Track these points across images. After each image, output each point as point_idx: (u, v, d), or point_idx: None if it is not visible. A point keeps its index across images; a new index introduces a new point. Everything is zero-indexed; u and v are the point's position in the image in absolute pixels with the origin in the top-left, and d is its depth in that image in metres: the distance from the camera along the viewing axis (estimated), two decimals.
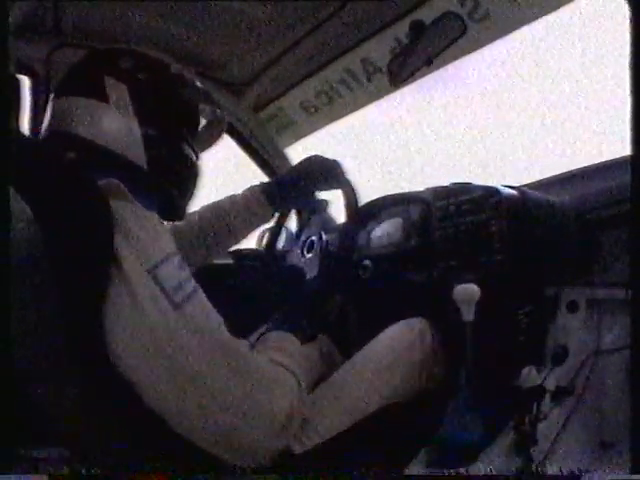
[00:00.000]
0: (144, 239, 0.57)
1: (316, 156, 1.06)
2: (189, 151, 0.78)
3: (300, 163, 1.06)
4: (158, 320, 0.55)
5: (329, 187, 1.05)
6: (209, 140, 0.88)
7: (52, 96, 0.72)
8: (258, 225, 1.07)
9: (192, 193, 0.81)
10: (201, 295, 0.61)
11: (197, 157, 0.81)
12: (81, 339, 0.55)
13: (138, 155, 0.70)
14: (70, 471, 0.58)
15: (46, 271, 0.55)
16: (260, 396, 0.60)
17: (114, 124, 0.69)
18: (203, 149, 0.86)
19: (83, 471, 0.58)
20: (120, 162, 0.69)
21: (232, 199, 1.05)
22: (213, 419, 0.58)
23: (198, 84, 0.82)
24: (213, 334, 0.59)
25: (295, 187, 1.03)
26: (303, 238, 1.22)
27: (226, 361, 0.58)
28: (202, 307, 0.60)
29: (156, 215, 0.63)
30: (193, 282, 0.61)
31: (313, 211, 1.11)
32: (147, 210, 0.61)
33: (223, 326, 0.61)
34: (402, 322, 1.04)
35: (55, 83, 0.74)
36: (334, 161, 1.05)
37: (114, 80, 0.69)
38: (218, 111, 0.86)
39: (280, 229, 1.24)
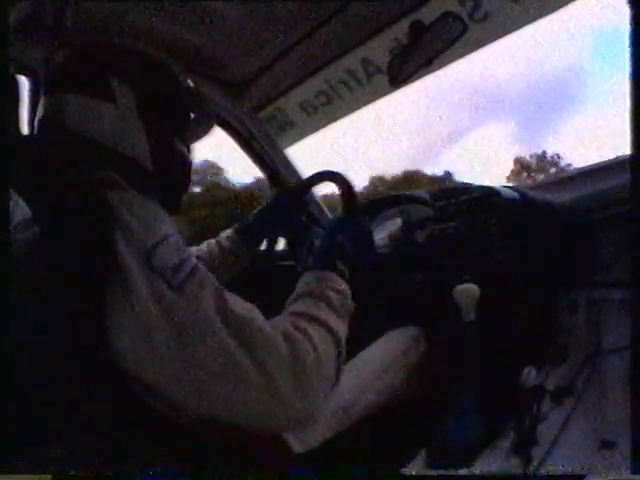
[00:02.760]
0: (138, 226, 0.57)
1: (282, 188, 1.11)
2: (183, 148, 0.80)
3: (270, 198, 1.11)
4: (159, 304, 0.54)
5: (292, 214, 1.09)
6: (198, 134, 0.89)
7: (48, 90, 0.72)
8: (241, 264, 1.09)
9: (186, 188, 0.82)
10: (202, 273, 0.59)
11: (189, 152, 0.82)
12: (82, 335, 0.55)
13: (144, 156, 0.71)
14: (74, 471, 0.58)
15: (45, 269, 0.55)
16: (276, 378, 0.57)
17: (120, 125, 0.69)
18: (191, 142, 0.86)
19: (86, 471, 0.58)
20: (126, 163, 0.69)
21: (209, 244, 1.09)
22: (231, 399, 0.56)
23: (193, 85, 0.84)
24: (219, 312, 0.57)
25: (265, 222, 1.08)
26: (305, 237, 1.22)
27: (235, 337, 0.56)
28: (203, 285, 0.58)
29: (152, 201, 0.63)
30: (193, 261, 0.59)
31: (294, 237, 1.14)
32: (142, 197, 0.61)
33: (232, 301, 0.59)
34: (397, 329, 1.05)
35: (53, 77, 0.73)
36: (295, 187, 1.11)
37: (119, 80, 0.70)
38: (207, 107, 0.88)
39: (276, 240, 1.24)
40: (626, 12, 0.65)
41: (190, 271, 0.58)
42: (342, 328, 0.67)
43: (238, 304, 0.60)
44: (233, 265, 1.08)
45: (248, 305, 0.62)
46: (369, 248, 0.84)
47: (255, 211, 1.11)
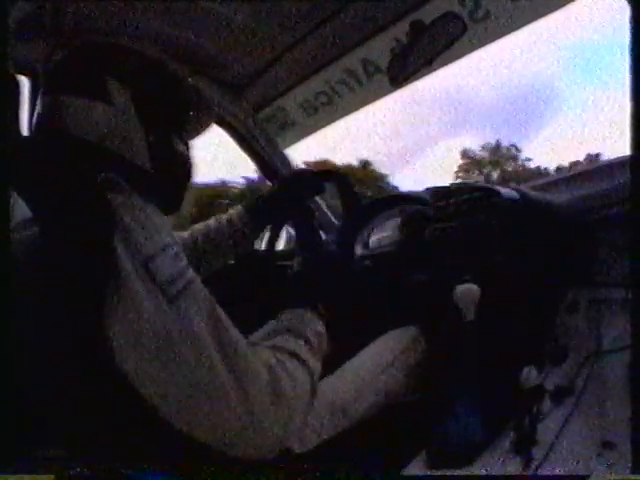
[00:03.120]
0: (139, 232, 0.57)
1: (295, 170, 1.09)
2: (183, 147, 0.80)
3: (281, 178, 1.12)
4: (153, 314, 0.55)
5: (305, 198, 1.07)
6: (197, 131, 0.89)
7: (47, 91, 0.71)
8: (246, 243, 1.09)
9: (186, 186, 0.82)
10: (198, 286, 0.60)
11: (188, 151, 0.82)
12: (81, 336, 0.55)
13: (143, 156, 0.71)
14: (77, 471, 0.58)
15: (46, 270, 0.55)
16: (256, 403, 0.58)
17: (119, 125, 0.69)
18: (191, 139, 0.86)
19: (89, 471, 0.58)
20: (126, 163, 0.69)
21: (218, 220, 1.08)
22: (211, 418, 0.57)
23: (192, 83, 0.84)
24: (209, 327, 0.57)
25: (275, 201, 1.06)
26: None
27: (222, 357, 0.57)
28: (197, 299, 0.58)
29: (154, 207, 0.63)
30: (190, 273, 0.60)
31: (300, 223, 1.13)
32: (145, 203, 0.61)
33: (223, 319, 0.60)
34: (396, 329, 1.05)
35: (52, 78, 0.73)
36: (312, 173, 1.08)
37: (117, 81, 0.70)
38: (206, 105, 0.88)
39: (280, 230, 1.24)
40: (601, 27, 0.66)
41: (186, 283, 0.58)
42: (317, 368, 0.70)
43: (228, 325, 0.61)
44: (239, 243, 1.07)
45: (235, 329, 0.62)
46: (351, 284, 0.87)
47: (267, 191, 1.10)
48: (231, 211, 1.09)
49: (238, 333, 0.62)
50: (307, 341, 0.70)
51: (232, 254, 1.08)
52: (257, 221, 1.07)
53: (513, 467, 0.85)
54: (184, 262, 0.60)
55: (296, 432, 0.65)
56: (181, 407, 0.56)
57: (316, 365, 0.69)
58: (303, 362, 0.67)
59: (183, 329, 0.56)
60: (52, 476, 0.58)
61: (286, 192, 1.06)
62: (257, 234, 1.09)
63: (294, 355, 0.66)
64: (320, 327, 0.74)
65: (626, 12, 0.68)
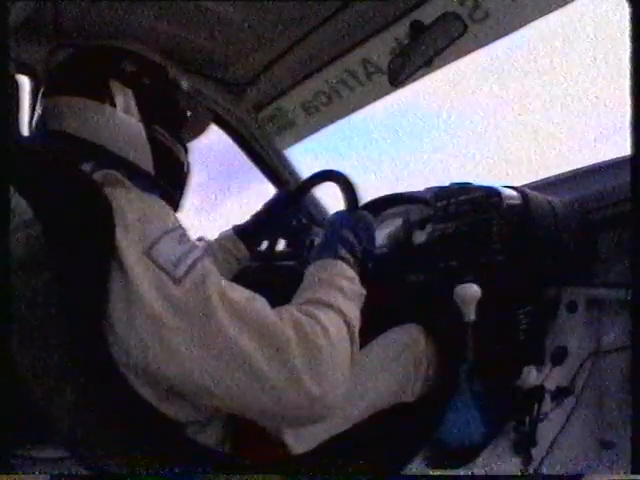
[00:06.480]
0: (139, 222, 0.57)
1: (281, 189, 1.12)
2: (180, 150, 0.80)
3: (269, 200, 1.13)
4: (161, 299, 0.54)
5: (293, 218, 1.11)
6: (195, 132, 0.90)
7: (48, 91, 0.72)
8: (240, 264, 1.10)
9: (185, 188, 0.83)
10: (205, 263, 0.59)
11: (187, 152, 0.83)
12: (84, 335, 0.55)
13: (144, 157, 0.71)
14: (72, 471, 0.58)
15: (47, 269, 0.55)
16: (289, 366, 0.57)
17: (119, 126, 0.69)
18: (189, 141, 0.87)
19: (85, 472, 0.58)
20: (127, 164, 0.69)
21: (210, 245, 1.09)
22: (247, 391, 0.56)
23: (191, 84, 0.84)
24: (223, 303, 0.57)
25: (264, 224, 1.10)
26: (305, 238, 1.23)
27: (243, 329, 0.56)
28: (206, 277, 0.58)
29: (155, 196, 0.63)
30: (196, 252, 0.59)
31: (293, 238, 1.15)
32: (143, 192, 0.61)
33: (236, 293, 0.59)
34: (396, 328, 1.05)
35: (53, 78, 0.73)
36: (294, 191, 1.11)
37: (120, 84, 0.70)
38: (204, 107, 0.89)
39: (275, 244, 1.25)
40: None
41: (192, 263, 0.57)
42: (352, 310, 0.67)
43: (242, 295, 0.60)
44: (233, 265, 1.08)
45: (253, 295, 0.61)
46: (371, 241, 0.83)
47: (254, 212, 1.12)
48: (222, 234, 1.10)
49: (256, 299, 0.61)
50: (336, 287, 0.67)
51: (224, 276, 1.08)
52: (247, 244, 1.08)
53: (513, 467, 0.86)
54: (189, 243, 0.60)
55: (342, 385, 0.61)
56: (212, 385, 0.55)
57: (350, 308, 0.66)
58: (333, 308, 0.64)
59: (196, 308, 0.55)
60: (47, 476, 0.57)
61: (271, 213, 1.09)
62: (248, 257, 1.10)
63: (322, 303, 0.64)
64: (349, 271, 0.71)
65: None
